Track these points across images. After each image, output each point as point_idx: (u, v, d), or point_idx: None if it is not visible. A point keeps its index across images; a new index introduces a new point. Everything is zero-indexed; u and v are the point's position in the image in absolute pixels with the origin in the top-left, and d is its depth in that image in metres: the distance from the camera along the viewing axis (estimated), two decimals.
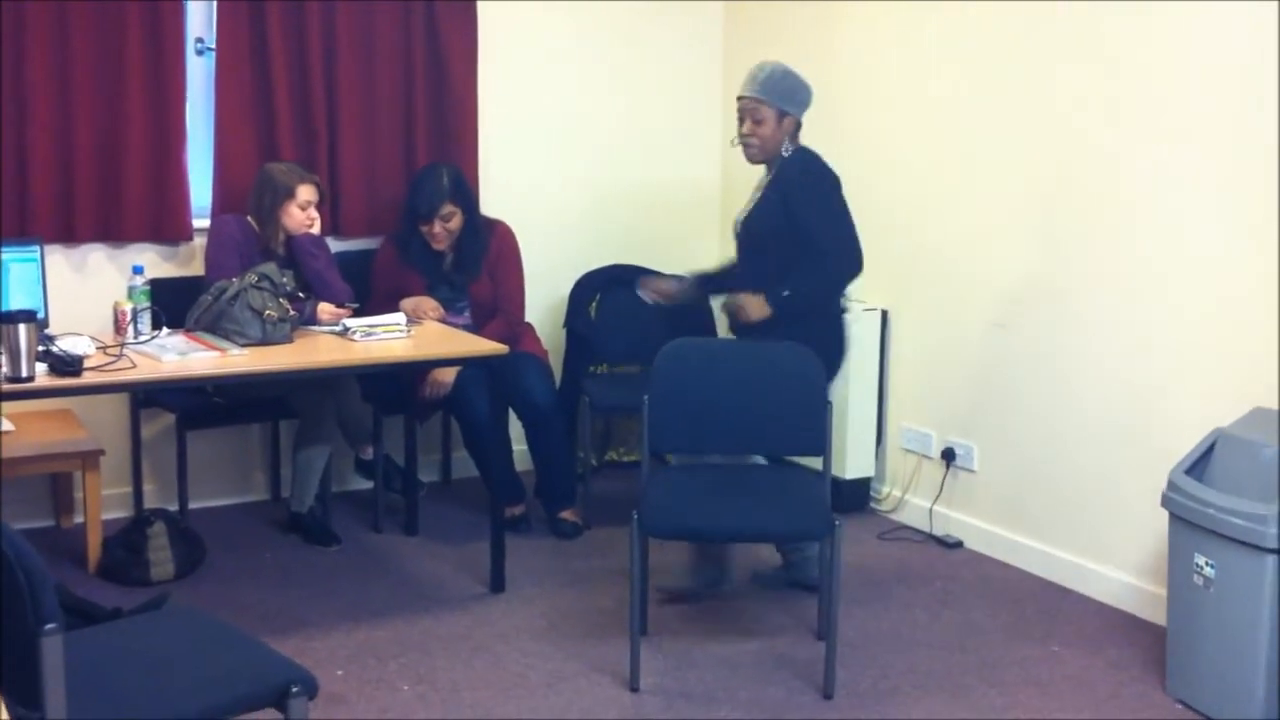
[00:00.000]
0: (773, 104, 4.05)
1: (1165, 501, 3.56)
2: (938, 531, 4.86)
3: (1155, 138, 4.02)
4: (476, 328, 4.84)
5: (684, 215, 5.87)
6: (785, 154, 4.10)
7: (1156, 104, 4.01)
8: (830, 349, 4.08)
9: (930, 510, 4.89)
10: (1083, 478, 4.33)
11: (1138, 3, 4.04)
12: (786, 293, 4.02)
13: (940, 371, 4.88)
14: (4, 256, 4.26)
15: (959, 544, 4.78)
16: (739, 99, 4.11)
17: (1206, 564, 3.42)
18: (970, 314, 4.72)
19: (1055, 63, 4.32)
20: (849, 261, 4.08)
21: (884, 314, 5.06)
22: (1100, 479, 4.27)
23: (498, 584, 4.29)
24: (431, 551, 4.69)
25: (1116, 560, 4.23)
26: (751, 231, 4.17)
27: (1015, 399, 4.56)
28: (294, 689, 2.53)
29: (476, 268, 4.90)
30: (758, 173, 4.23)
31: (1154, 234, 4.05)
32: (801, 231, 4.02)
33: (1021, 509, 4.58)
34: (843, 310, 4.23)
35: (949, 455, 4.82)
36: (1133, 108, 4.09)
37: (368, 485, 4.99)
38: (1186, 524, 3.48)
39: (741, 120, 4.10)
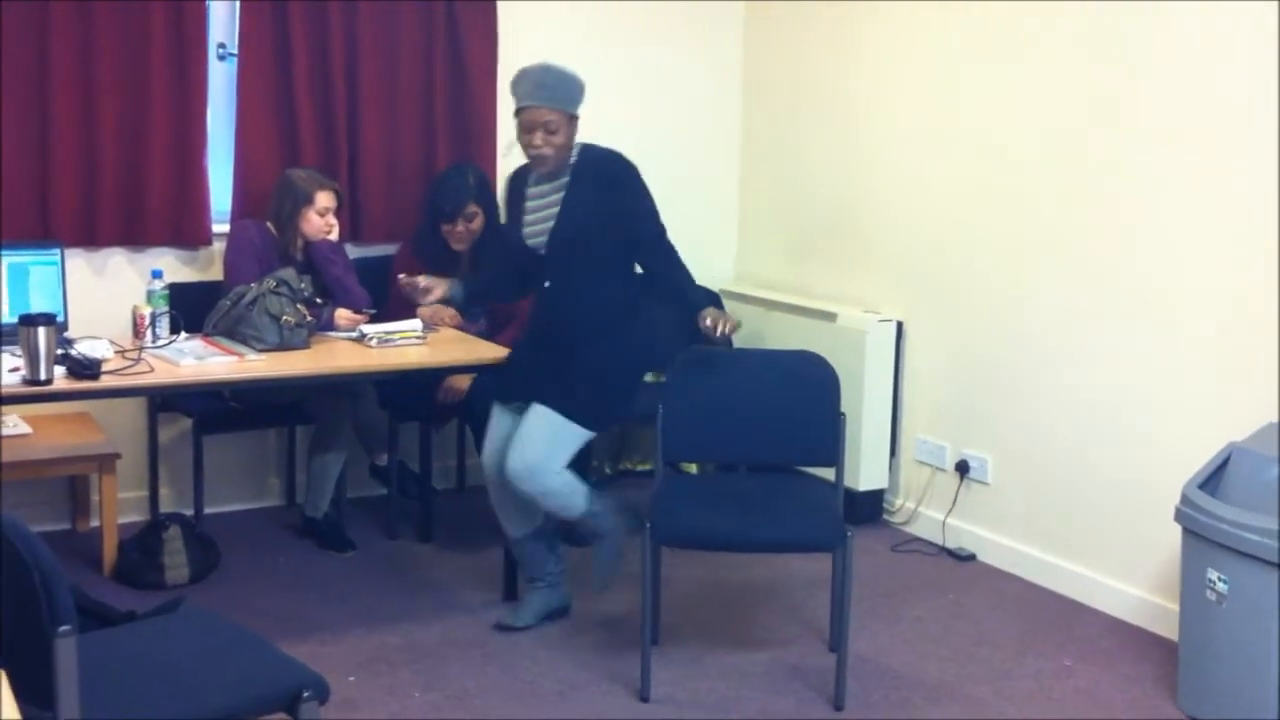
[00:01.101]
0: (563, 109, 3.84)
1: (1178, 516, 3.55)
2: (951, 544, 4.85)
3: (1173, 147, 4.02)
4: (491, 333, 4.86)
5: (702, 224, 5.87)
6: (574, 157, 3.92)
7: (1176, 114, 4.01)
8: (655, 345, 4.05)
9: (944, 523, 4.88)
10: (1096, 491, 4.33)
11: (1163, 11, 4.04)
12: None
13: (955, 383, 4.88)
14: (25, 259, 4.30)
15: (972, 557, 4.77)
16: (524, 110, 3.85)
17: (1219, 579, 3.41)
18: (985, 326, 4.72)
19: (1077, 72, 4.32)
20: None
21: (899, 325, 5.06)
22: (1113, 493, 4.26)
23: (510, 591, 4.30)
24: (445, 558, 4.70)
25: (1129, 574, 4.23)
26: (568, 241, 3.91)
27: (1030, 412, 4.55)
28: (306, 693, 2.54)
29: None
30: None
31: (1170, 245, 4.04)
32: (635, 225, 3.92)
33: (1035, 522, 4.58)
34: None
35: (963, 468, 4.82)
36: (1152, 118, 4.08)
37: (382, 491, 5.01)
38: (1199, 539, 3.48)
39: (531, 131, 3.82)
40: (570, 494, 3.94)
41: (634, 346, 4.00)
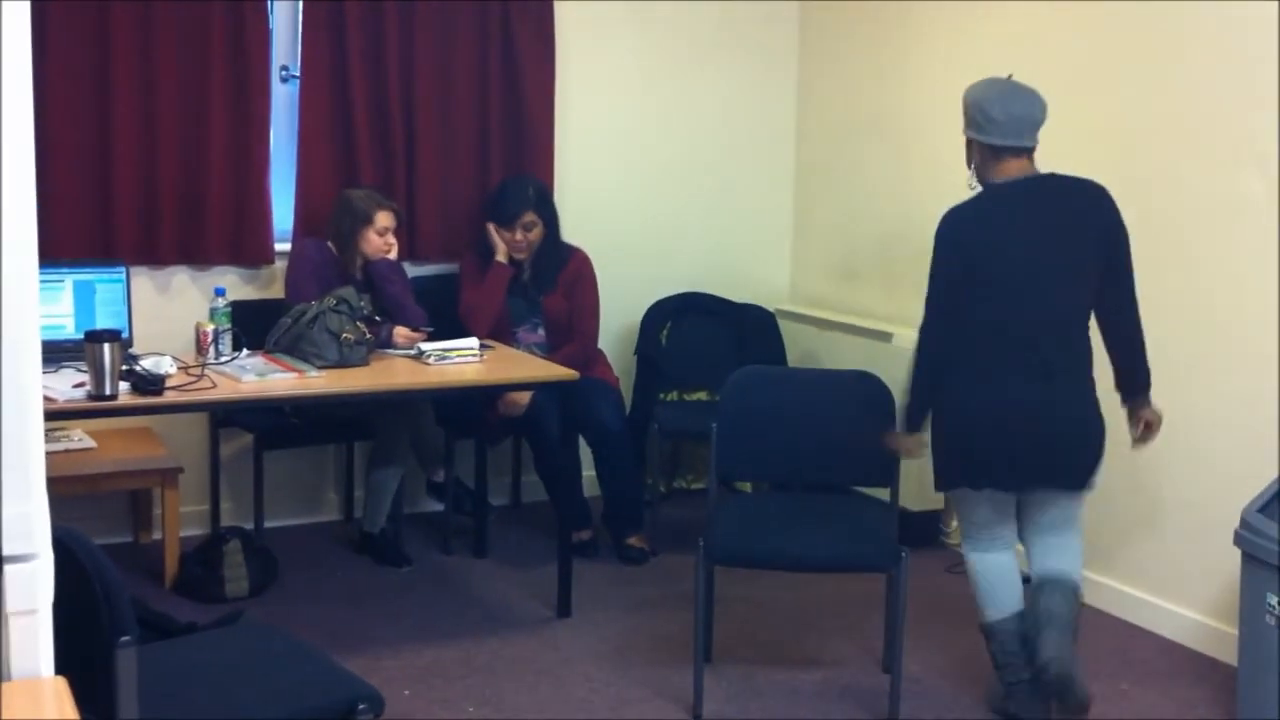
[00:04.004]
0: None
1: (1238, 539, 3.51)
2: None
3: (1226, 161, 3.99)
4: (550, 346, 4.90)
5: (756, 242, 5.89)
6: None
7: (1225, 127, 3.98)
8: None
9: None
10: (1154, 514, 4.29)
11: (1222, 35, 4.01)
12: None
13: None
14: (91, 277, 4.38)
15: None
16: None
17: (1279, 603, 3.37)
18: None
19: (1132, 95, 4.30)
20: (923, 346, 3.65)
21: None
22: (1172, 516, 4.22)
23: (564, 608, 4.32)
24: (500, 574, 4.73)
25: (1187, 598, 4.18)
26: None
27: None
28: (361, 706, 2.58)
29: (552, 282, 4.96)
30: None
31: (1229, 265, 4.01)
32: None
33: (1092, 545, 4.51)
34: None
35: None
36: (1202, 131, 4.05)
37: (439, 507, 5.05)
38: (1259, 562, 3.44)
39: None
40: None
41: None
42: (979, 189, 3.57)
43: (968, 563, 3.70)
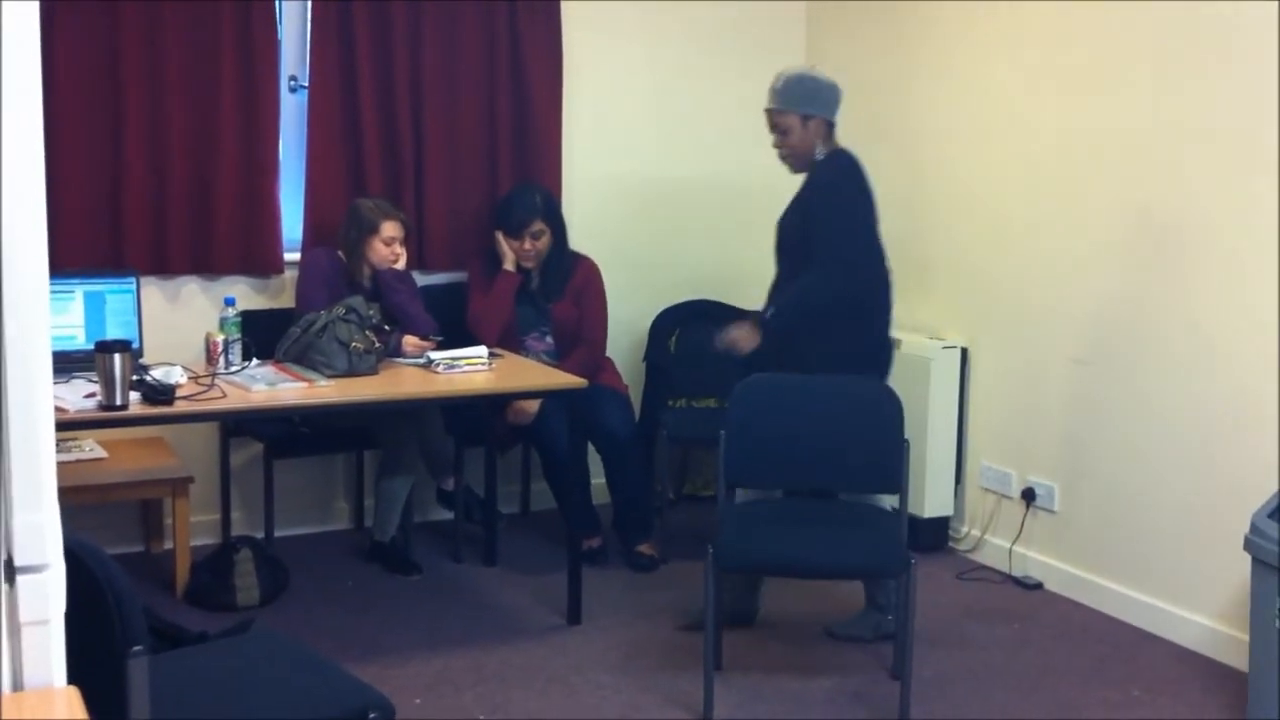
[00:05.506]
0: (794, 110, 4.04)
1: (1247, 545, 3.51)
2: (1017, 572, 4.81)
3: (1242, 168, 3.98)
4: (559, 354, 4.91)
5: (765, 249, 5.87)
6: (819, 157, 4.08)
7: (1242, 133, 3.97)
8: (852, 363, 3.99)
9: (1010, 551, 4.85)
10: (1164, 519, 4.28)
11: (1232, 35, 4.01)
12: (770, 312, 4.04)
13: (1021, 410, 4.85)
14: (101, 288, 4.40)
15: (1039, 585, 4.73)
16: (767, 113, 4.12)
17: None
18: (1051, 351, 4.69)
19: (1142, 95, 4.29)
20: (839, 274, 3.98)
21: (963, 351, 5.04)
22: (1182, 521, 4.21)
23: (574, 615, 4.33)
24: (510, 582, 4.74)
25: (1198, 604, 4.18)
26: (781, 236, 4.19)
27: (1097, 438, 4.52)
28: (373, 715, 2.58)
29: (560, 290, 4.97)
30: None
31: (1238, 269, 4.00)
32: (813, 237, 4.01)
33: (1102, 551, 4.53)
34: (872, 330, 4.14)
35: (1029, 495, 4.79)
36: (1218, 138, 4.05)
37: (448, 516, 5.06)
38: (1269, 568, 3.43)
39: (771, 132, 4.11)
40: None
41: (846, 348, 4.02)
42: (820, 158, 4.06)
43: None
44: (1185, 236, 4.18)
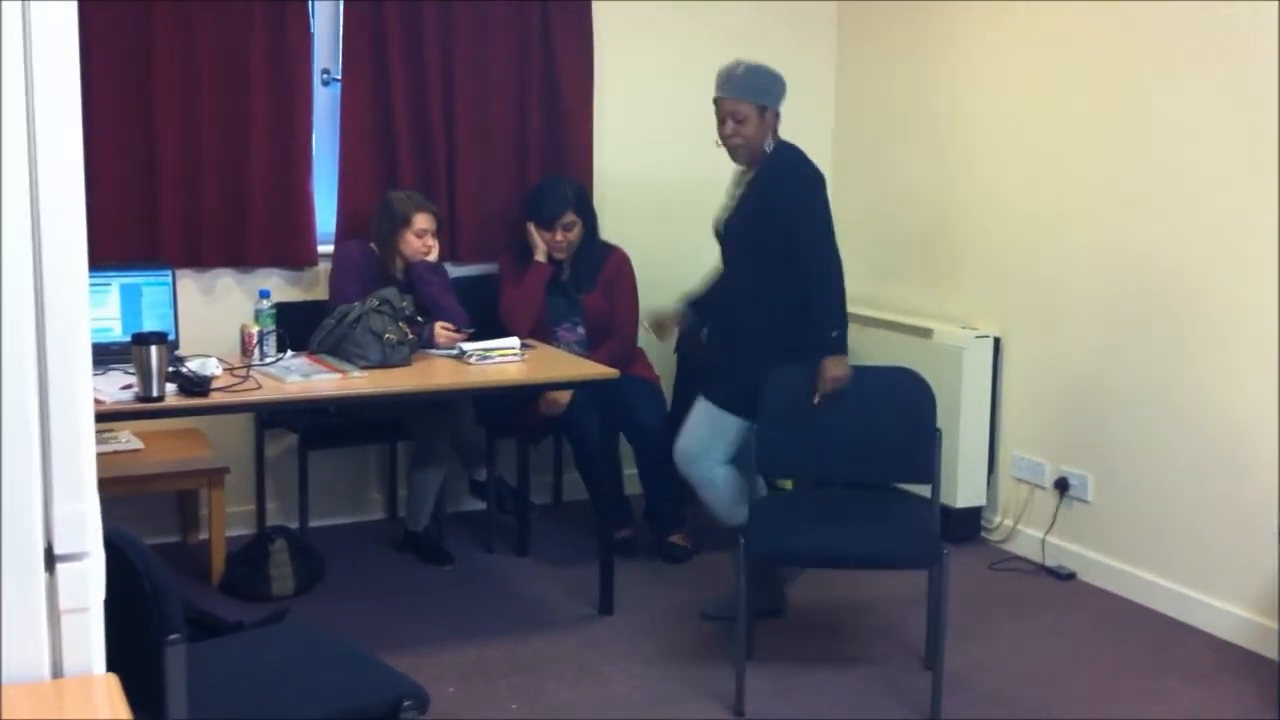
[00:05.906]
0: (750, 100, 4.02)
1: None
2: (1050, 563, 4.80)
3: (1274, 162, 3.96)
4: (590, 345, 4.92)
5: None
6: (768, 149, 4.07)
7: (1260, 127, 3.94)
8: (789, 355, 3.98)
9: (1043, 541, 4.84)
10: (1198, 509, 4.26)
11: (1258, 39, 3.99)
12: (834, 334, 3.92)
13: (1053, 400, 4.83)
14: (137, 280, 4.44)
15: (1072, 575, 4.72)
16: (715, 101, 4.10)
17: None
18: (1084, 342, 4.67)
19: (1178, 81, 4.27)
20: (837, 272, 4.00)
21: (996, 341, 5.02)
22: (1216, 512, 4.19)
23: (606, 606, 4.34)
24: (542, 572, 4.75)
25: (1232, 594, 4.16)
26: (735, 234, 4.15)
27: (1130, 428, 4.50)
28: (406, 704, 2.59)
29: (591, 281, 4.98)
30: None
31: (1264, 260, 3.98)
32: (785, 236, 3.98)
33: (1136, 541, 4.52)
34: None
35: (1062, 485, 4.77)
36: (1252, 133, 4.02)
37: (481, 506, 5.07)
38: None
39: (723, 122, 4.08)
40: (727, 492, 4.10)
41: (794, 346, 4.00)
42: (769, 150, 4.05)
43: None
44: (1208, 231, 4.15)
